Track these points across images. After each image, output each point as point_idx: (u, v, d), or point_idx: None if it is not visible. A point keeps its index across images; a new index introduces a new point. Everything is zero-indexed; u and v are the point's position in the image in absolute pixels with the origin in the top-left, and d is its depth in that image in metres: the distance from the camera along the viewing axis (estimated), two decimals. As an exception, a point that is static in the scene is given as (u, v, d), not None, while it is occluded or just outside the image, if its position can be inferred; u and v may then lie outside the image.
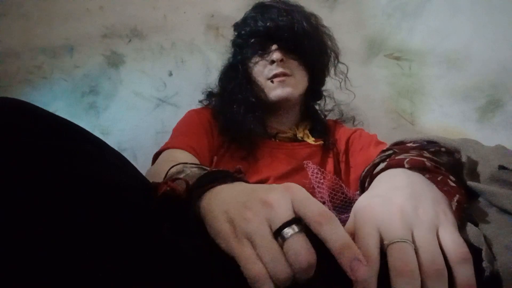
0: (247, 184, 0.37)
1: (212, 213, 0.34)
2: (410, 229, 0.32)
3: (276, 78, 0.77)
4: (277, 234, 0.29)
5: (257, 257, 0.29)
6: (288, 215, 0.30)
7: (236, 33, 0.86)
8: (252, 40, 0.79)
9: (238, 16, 0.87)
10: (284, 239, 0.29)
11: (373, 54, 1.12)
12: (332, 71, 0.90)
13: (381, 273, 0.30)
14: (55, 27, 1.05)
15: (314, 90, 0.87)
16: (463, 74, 1.07)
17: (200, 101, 0.92)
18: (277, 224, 0.29)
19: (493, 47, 1.05)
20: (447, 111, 1.08)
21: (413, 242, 0.31)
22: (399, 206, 0.34)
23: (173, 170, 0.45)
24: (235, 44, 0.86)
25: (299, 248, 0.28)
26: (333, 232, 0.28)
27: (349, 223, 0.36)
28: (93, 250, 0.27)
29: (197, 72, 1.08)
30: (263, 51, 0.78)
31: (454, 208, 0.35)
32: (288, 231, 0.29)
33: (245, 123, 0.77)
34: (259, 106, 0.80)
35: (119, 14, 1.08)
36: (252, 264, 0.28)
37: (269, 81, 0.78)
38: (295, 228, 0.29)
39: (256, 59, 0.79)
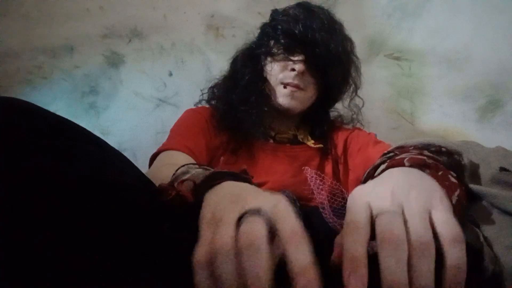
0: (250, 185, 0.37)
1: (205, 202, 0.34)
2: (400, 205, 0.31)
3: (289, 86, 0.75)
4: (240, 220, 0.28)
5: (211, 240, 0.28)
6: (256, 206, 0.29)
7: (270, 19, 0.82)
8: (284, 40, 0.75)
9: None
10: (242, 222, 0.28)
11: (373, 54, 1.12)
12: (347, 101, 0.88)
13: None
14: (55, 27, 1.05)
15: (319, 109, 0.85)
16: (463, 74, 1.07)
17: (199, 101, 0.90)
18: (242, 211, 0.29)
19: (493, 47, 1.05)
20: (447, 111, 1.08)
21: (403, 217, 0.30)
22: (391, 187, 0.34)
23: (178, 172, 0.45)
24: (265, 31, 0.82)
25: (251, 228, 0.27)
26: (299, 252, 0.27)
27: None
28: (93, 250, 0.27)
29: (197, 72, 1.08)
30: (289, 55, 0.75)
31: (454, 202, 0.35)
32: (249, 216, 0.28)
33: (245, 123, 0.76)
34: (265, 104, 0.78)
35: (119, 14, 1.08)
36: (204, 245, 0.28)
37: (281, 85, 0.76)
38: (258, 214, 0.28)
39: (278, 57, 0.76)
